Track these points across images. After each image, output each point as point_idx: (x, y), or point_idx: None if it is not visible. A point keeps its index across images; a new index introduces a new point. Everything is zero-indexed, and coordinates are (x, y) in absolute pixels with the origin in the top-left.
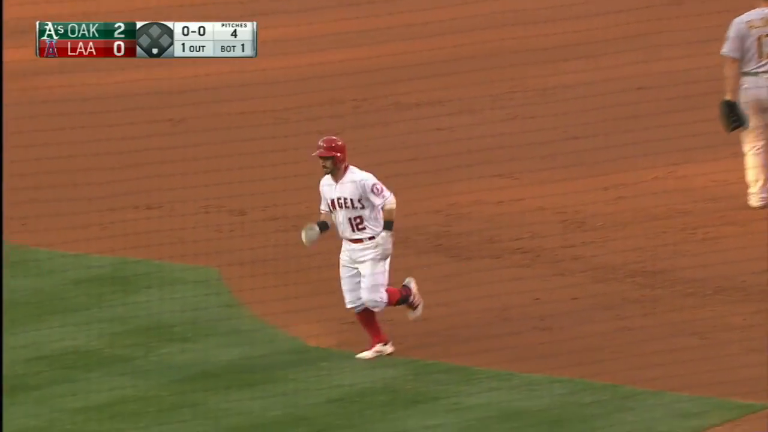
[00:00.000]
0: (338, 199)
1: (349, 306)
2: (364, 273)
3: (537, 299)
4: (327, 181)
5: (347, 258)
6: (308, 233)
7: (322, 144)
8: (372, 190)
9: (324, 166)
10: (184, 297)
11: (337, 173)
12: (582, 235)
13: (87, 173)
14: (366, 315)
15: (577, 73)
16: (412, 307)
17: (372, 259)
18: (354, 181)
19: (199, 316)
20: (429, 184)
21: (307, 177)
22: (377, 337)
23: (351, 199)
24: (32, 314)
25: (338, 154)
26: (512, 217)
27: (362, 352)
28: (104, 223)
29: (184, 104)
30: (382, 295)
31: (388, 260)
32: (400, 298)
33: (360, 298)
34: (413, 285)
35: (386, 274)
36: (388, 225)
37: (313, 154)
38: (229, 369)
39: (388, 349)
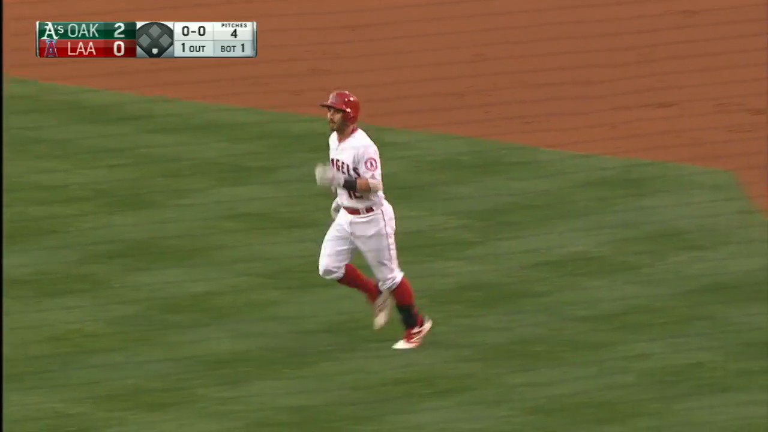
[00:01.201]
0: (337, 161)
1: (322, 274)
2: (366, 250)
3: None
4: (333, 138)
5: (344, 222)
6: (326, 171)
7: (333, 98)
8: (366, 161)
9: (331, 121)
10: (697, 202)
11: (343, 132)
12: None
13: (597, 70)
14: (348, 278)
15: None
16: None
17: (374, 235)
18: (355, 147)
19: (713, 223)
20: None
21: None
22: (371, 292)
23: (348, 165)
24: (537, 218)
25: (348, 110)
26: None
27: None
28: (614, 123)
29: None
30: (394, 273)
31: (393, 239)
32: (409, 304)
33: (338, 268)
34: (428, 325)
35: (392, 252)
36: (352, 181)
37: (321, 104)
38: (746, 280)
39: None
